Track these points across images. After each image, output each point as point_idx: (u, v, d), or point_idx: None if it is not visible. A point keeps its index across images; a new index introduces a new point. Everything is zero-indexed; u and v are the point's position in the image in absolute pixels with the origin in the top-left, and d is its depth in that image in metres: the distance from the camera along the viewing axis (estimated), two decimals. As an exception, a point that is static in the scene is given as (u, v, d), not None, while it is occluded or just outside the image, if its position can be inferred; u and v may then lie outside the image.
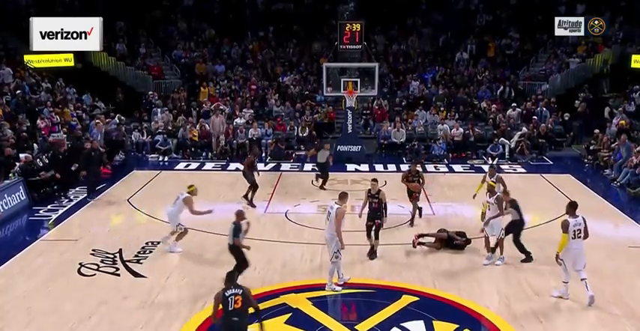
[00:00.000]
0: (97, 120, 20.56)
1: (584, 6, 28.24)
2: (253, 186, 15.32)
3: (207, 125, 22.22)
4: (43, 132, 18.89)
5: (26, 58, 23.34)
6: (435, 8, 30.63)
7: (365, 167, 20.10)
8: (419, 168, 14.92)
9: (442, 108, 24.11)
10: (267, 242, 12.67)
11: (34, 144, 17.94)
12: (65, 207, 15.42)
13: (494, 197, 11.41)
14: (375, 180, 12.08)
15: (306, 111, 24.14)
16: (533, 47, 28.42)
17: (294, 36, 29.70)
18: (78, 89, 23.86)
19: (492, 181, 12.84)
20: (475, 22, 29.99)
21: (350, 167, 20.05)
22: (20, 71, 22.49)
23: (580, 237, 9.83)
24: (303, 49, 29.16)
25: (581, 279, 9.85)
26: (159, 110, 23.04)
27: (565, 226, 9.73)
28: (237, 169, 20.17)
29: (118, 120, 21.78)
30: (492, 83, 26.38)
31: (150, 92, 24.85)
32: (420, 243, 12.31)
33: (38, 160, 16.87)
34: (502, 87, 25.85)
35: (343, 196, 10.65)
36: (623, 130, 20.38)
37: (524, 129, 21.79)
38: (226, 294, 7.40)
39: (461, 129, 22.29)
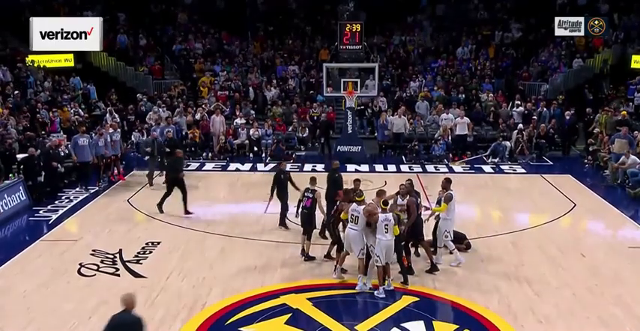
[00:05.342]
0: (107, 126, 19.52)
1: None
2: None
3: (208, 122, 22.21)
4: (43, 132, 18.86)
5: (27, 58, 23.31)
6: (434, 6, 30.70)
7: (365, 167, 20.08)
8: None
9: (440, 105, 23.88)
10: (267, 242, 12.67)
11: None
12: (65, 207, 15.39)
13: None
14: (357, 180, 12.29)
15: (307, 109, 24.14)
16: (534, 46, 28.43)
17: (295, 31, 29.76)
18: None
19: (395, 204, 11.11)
20: (475, 21, 30.03)
21: (350, 167, 20.02)
22: (20, 71, 22.48)
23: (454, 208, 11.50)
24: (302, 47, 29.18)
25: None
26: (160, 109, 22.91)
27: (449, 198, 11.26)
28: (237, 169, 20.24)
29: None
30: (494, 77, 26.43)
31: (140, 95, 24.42)
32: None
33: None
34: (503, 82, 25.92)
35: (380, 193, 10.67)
36: (624, 122, 20.12)
37: (521, 126, 21.66)
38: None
39: (466, 119, 21.66)
